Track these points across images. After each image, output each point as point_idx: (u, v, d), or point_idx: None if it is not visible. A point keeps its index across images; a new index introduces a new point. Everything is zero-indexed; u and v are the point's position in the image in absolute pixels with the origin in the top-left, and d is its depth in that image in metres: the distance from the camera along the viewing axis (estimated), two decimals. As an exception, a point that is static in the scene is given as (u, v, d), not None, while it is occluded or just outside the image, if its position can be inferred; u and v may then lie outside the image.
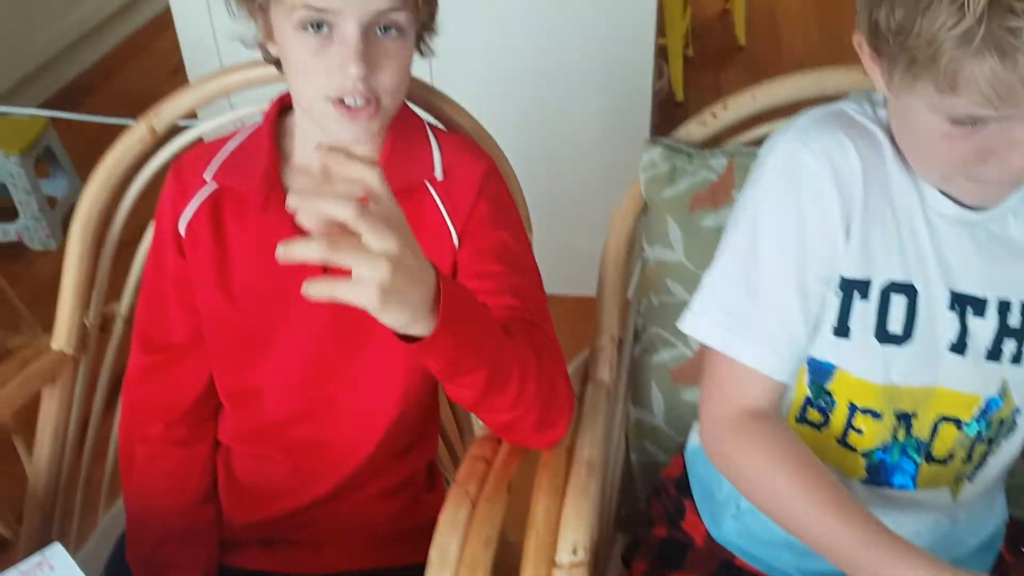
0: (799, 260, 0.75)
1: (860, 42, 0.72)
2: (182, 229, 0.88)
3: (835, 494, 0.70)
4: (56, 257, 2.22)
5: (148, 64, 3.07)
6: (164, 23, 3.32)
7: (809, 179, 0.75)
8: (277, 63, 0.84)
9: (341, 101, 0.78)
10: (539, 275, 0.88)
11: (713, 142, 0.98)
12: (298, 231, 0.83)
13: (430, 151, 0.87)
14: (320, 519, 0.92)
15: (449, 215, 0.85)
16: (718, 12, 3.23)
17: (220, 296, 0.88)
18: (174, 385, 0.92)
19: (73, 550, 1.00)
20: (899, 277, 0.76)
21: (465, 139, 0.92)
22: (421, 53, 0.86)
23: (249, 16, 0.82)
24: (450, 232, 0.85)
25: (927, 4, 0.63)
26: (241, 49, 0.88)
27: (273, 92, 0.90)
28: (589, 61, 1.74)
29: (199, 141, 1.00)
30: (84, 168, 2.40)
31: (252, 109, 0.99)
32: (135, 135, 0.99)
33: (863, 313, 0.76)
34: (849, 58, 0.76)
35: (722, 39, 3.07)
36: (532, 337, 0.78)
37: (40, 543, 0.91)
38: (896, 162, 0.76)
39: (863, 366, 0.77)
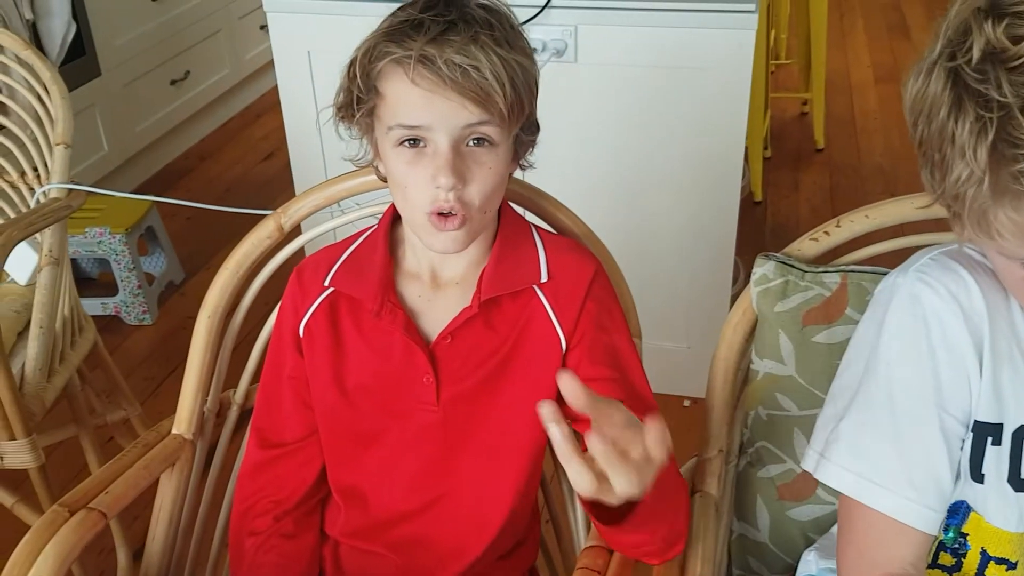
0: (938, 403, 0.73)
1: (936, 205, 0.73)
2: (301, 331, 0.91)
3: None
4: (149, 332, 2.30)
5: (241, 150, 3.22)
6: (257, 112, 3.50)
7: (937, 319, 0.74)
8: (386, 180, 0.88)
9: (436, 212, 0.80)
10: (647, 379, 0.89)
11: (823, 258, 0.99)
12: (408, 336, 0.86)
13: (536, 254, 0.89)
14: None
15: (557, 317, 0.86)
16: (797, 115, 3.27)
17: (335, 393, 0.90)
18: (285, 480, 0.94)
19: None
20: None
21: (571, 242, 0.94)
22: (521, 167, 0.89)
23: (360, 136, 0.87)
24: (558, 334, 0.86)
25: (948, 164, 0.65)
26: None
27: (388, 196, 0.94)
28: (680, 167, 1.77)
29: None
30: (179, 246, 2.51)
31: (364, 212, 1.03)
32: (264, 231, 1.03)
33: (996, 458, 0.74)
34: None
35: (800, 141, 3.10)
36: (674, 463, 0.78)
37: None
38: (1017, 303, 0.75)
39: (997, 513, 0.75)
